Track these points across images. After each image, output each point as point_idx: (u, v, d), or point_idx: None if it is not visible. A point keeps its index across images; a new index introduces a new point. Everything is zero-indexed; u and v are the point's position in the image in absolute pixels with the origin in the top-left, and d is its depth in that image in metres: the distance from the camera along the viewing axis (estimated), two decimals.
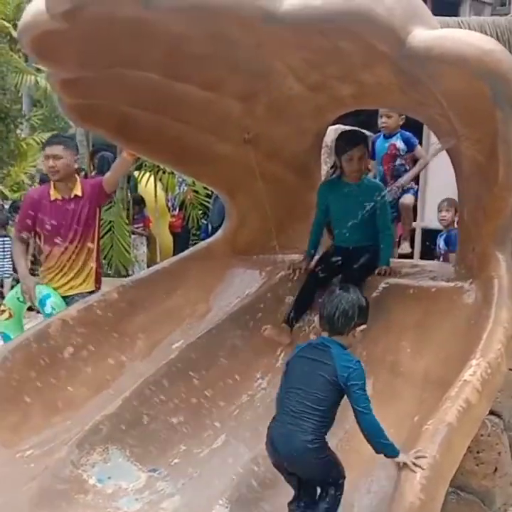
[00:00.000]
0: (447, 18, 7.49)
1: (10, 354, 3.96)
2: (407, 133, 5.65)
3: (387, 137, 5.67)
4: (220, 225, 5.11)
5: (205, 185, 8.36)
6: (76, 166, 5.00)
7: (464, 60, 2.40)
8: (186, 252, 5.00)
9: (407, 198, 5.68)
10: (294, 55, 3.24)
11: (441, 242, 6.55)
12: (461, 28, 7.14)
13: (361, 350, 3.73)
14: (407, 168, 5.66)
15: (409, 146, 5.64)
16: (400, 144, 5.62)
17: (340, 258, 4.06)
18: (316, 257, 4.32)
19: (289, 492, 3.05)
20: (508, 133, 2.69)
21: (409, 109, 3.65)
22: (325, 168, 5.32)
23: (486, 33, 7.11)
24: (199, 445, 3.68)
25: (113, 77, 3.59)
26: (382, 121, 5.63)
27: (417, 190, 6.04)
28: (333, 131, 5.22)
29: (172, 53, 3.37)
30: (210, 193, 8.67)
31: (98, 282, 4.98)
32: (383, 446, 2.74)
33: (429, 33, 2.44)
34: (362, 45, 2.68)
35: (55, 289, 4.87)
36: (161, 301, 4.47)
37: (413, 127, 5.58)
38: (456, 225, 5.41)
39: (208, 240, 5.01)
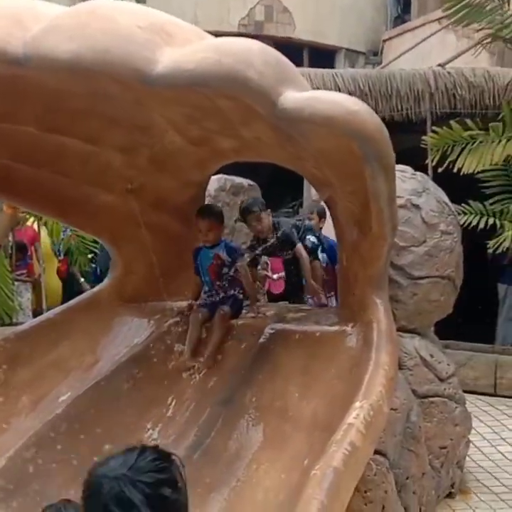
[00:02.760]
0: (323, 71, 7.77)
1: None
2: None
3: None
4: (108, 269, 5.05)
5: None
6: None
7: (332, 120, 2.52)
8: (72, 301, 4.90)
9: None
10: (173, 110, 3.29)
11: (321, 256, 5.24)
12: (335, 80, 7.46)
13: (250, 397, 3.79)
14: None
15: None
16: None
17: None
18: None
19: None
20: (376, 187, 2.83)
21: (288, 162, 3.77)
22: None
23: (359, 85, 7.47)
24: None
25: None
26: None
27: None
28: (215, 181, 5.30)
29: (49, 108, 3.35)
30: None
31: None
32: None
33: (299, 95, 2.55)
34: (238, 104, 2.75)
35: None
36: (46, 353, 4.35)
37: (295, 180, 5.66)
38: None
39: (94, 289, 4.95)
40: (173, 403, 4.10)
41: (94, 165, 3.95)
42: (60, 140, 3.67)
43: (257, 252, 4.71)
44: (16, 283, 8.98)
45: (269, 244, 4.66)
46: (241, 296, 4.45)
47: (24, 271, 9.28)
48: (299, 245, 4.70)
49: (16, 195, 4.19)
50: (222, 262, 4.36)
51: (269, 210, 4.66)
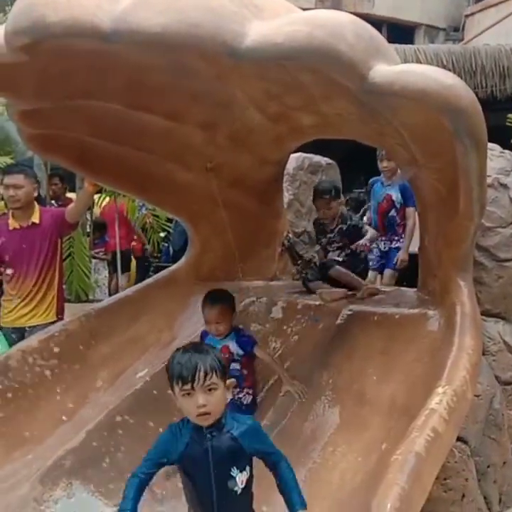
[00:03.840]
0: (404, 46, 7.63)
1: None
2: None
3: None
4: (181, 249, 5.09)
5: None
6: (35, 194, 4.94)
7: (425, 94, 2.43)
8: (150, 279, 4.97)
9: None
10: (254, 86, 3.25)
11: (396, 195, 5.66)
12: (417, 55, 7.29)
13: (327, 378, 3.76)
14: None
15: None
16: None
17: None
18: None
19: None
20: (467, 164, 2.73)
21: (369, 139, 3.69)
22: (287, 196, 5.36)
23: (441, 61, 7.29)
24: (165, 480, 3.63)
25: (72, 107, 3.55)
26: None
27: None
28: (294, 160, 5.25)
29: (132, 84, 3.35)
30: (170, 217, 8.63)
31: (60, 313, 4.90)
32: None
33: (391, 68, 2.47)
34: (322, 78, 2.69)
35: (16, 319, 4.80)
36: (124, 329, 4.42)
37: (369, 157, 5.58)
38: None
39: (171, 267, 4.99)
40: None
41: (175, 142, 3.95)
42: (141, 116, 3.68)
43: (322, 243, 4.68)
44: (93, 260, 9.19)
45: (333, 235, 4.65)
46: (249, 398, 3.98)
47: (102, 249, 9.49)
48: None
49: (98, 171, 4.24)
50: (230, 356, 3.90)
51: (341, 198, 4.62)
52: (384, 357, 3.60)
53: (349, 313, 4.02)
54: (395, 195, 5.49)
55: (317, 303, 4.26)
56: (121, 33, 2.53)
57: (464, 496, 3.46)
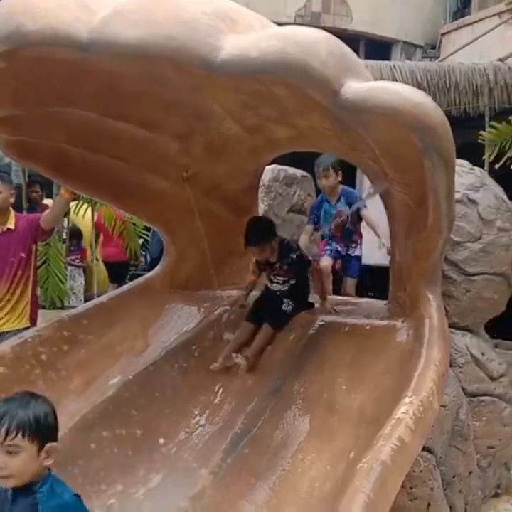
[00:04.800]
0: (380, 63, 7.70)
1: None
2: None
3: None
4: (158, 257, 5.10)
5: None
6: (12, 200, 4.94)
7: (395, 111, 2.49)
8: (125, 287, 4.98)
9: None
10: (229, 98, 3.29)
11: (345, 209, 5.50)
12: (393, 73, 7.38)
13: (298, 388, 3.80)
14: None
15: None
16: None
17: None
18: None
19: None
20: (436, 181, 2.79)
21: (343, 153, 3.75)
22: (262, 207, 5.41)
23: (417, 78, 7.39)
24: (135, 485, 3.64)
25: (49, 115, 3.56)
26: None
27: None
28: (269, 171, 5.30)
29: (108, 92, 3.37)
30: (147, 225, 8.64)
31: (34, 318, 4.90)
32: None
33: (363, 85, 2.53)
34: (296, 92, 2.74)
35: None
36: (98, 336, 4.41)
37: (347, 170, 5.62)
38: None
39: (147, 275, 5.00)
40: (221, 391, 4.13)
41: (151, 151, 3.99)
42: (117, 125, 3.71)
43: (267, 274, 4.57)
44: (69, 267, 9.15)
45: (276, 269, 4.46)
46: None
47: (78, 256, 9.45)
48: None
49: (73, 178, 4.24)
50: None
51: (277, 237, 4.40)
52: (354, 367, 3.64)
53: (321, 323, 4.07)
54: (345, 209, 5.43)
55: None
56: (98, 44, 2.57)
57: (429, 505, 3.51)
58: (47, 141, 3.87)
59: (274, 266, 4.38)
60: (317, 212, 5.49)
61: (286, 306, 4.31)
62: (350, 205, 5.38)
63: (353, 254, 5.54)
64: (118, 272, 9.34)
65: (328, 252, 5.50)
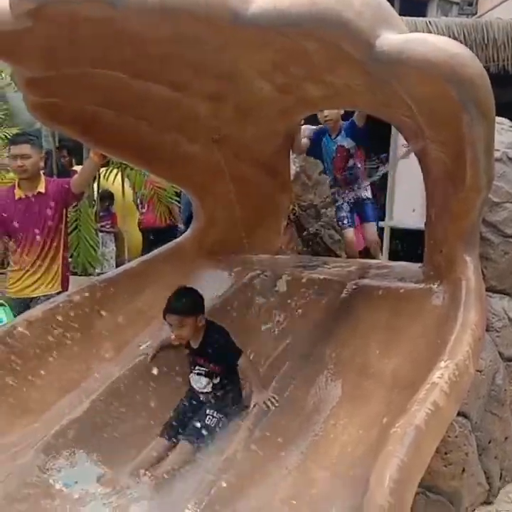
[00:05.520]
0: (415, 19, 7.50)
1: None
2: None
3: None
4: (187, 221, 5.06)
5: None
6: (42, 163, 4.94)
7: (432, 63, 2.39)
8: (155, 252, 4.96)
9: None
10: (258, 56, 3.20)
11: (347, 142, 5.31)
12: (429, 28, 7.18)
13: (330, 352, 3.76)
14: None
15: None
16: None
17: None
18: None
19: (259, 494, 3.04)
20: (474, 135, 2.69)
21: (377, 110, 3.64)
22: (293, 169, 5.32)
23: (453, 34, 7.17)
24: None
25: (78, 76, 3.52)
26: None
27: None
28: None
29: (137, 53, 3.31)
30: (178, 190, 8.62)
31: (65, 283, 4.92)
32: None
33: (398, 37, 2.43)
34: (327, 47, 2.65)
35: (21, 289, 4.82)
36: (128, 301, 4.42)
37: (382, 128, 5.49)
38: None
39: (177, 240, 4.98)
40: (252, 356, 4.09)
41: (181, 113, 3.92)
42: (146, 86, 3.64)
43: None
44: (100, 234, 9.19)
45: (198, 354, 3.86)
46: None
47: (109, 221, 9.49)
48: None
49: (103, 141, 4.21)
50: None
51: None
52: (388, 331, 3.58)
53: (354, 287, 4.00)
54: (347, 143, 5.19)
55: (322, 276, 4.25)
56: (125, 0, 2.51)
57: (464, 470, 3.47)
58: (76, 103, 3.83)
59: (196, 353, 3.80)
60: (316, 145, 5.27)
61: (210, 418, 3.67)
62: (351, 138, 5.12)
63: (364, 197, 5.30)
64: (159, 239, 9.34)
65: (345, 221, 5.32)
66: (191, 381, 3.83)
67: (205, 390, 3.78)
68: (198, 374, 3.79)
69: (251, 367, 3.76)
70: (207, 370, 3.76)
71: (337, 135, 5.22)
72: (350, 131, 5.18)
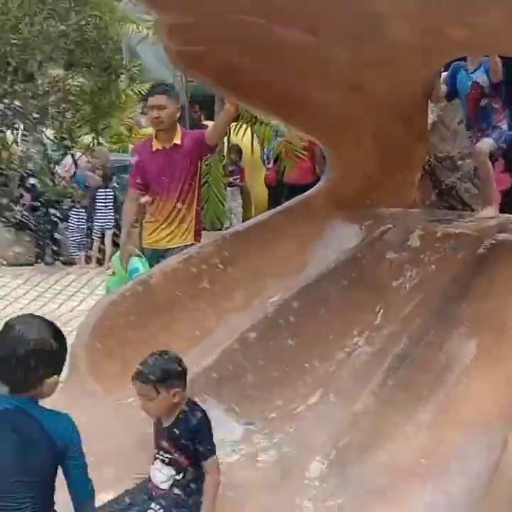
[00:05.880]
0: None
1: (112, 305, 4.05)
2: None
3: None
4: None
5: (300, 137, 8.23)
6: (178, 115, 4.98)
7: None
8: (285, 205, 4.94)
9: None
10: None
11: (482, 78, 4.80)
12: None
13: (465, 310, 3.62)
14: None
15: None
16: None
17: None
18: None
19: (389, 450, 3.01)
20: None
21: None
22: (431, 117, 5.11)
23: None
24: (295, 401, 3.68)
25: (218, 23, 3.51)
26: None
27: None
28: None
29: None
30: (306, 145, 8.54)
31: (198, 235, 4.98)
32: None
33: None
34: None
35: (156, 240, 4.94)
36: (258, 254, 4.44)
37: None
38: None
39: (307, 193, 4.91)
40: (382, 312, 4.01)
41: (316, 60, 3.82)
42: (285, 32, 3.55)
43: None
44: (228, 188, 9.30)
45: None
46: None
47: (238, 176, 9.56)
48: None
49: (238, 88, 4.20)
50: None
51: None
52: None
53: (492, 242, 3.82)
54: (482, 79, 4.72)
55: (457, 231, 4.08)
56: None
57: None
58: (215, 50, 3.82)
59: (162, 434, 2.99)
60: (452, 82, 4.88)
61: None
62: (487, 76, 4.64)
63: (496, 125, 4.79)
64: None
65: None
66: (150, 469, 3.03)
67: (162, 487, 2.96)
68: (162, 461, 2.99)
69: (212, 481, 2.89)
70: (171, 457, 2.97)
71: (475, 69, 4.82)
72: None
